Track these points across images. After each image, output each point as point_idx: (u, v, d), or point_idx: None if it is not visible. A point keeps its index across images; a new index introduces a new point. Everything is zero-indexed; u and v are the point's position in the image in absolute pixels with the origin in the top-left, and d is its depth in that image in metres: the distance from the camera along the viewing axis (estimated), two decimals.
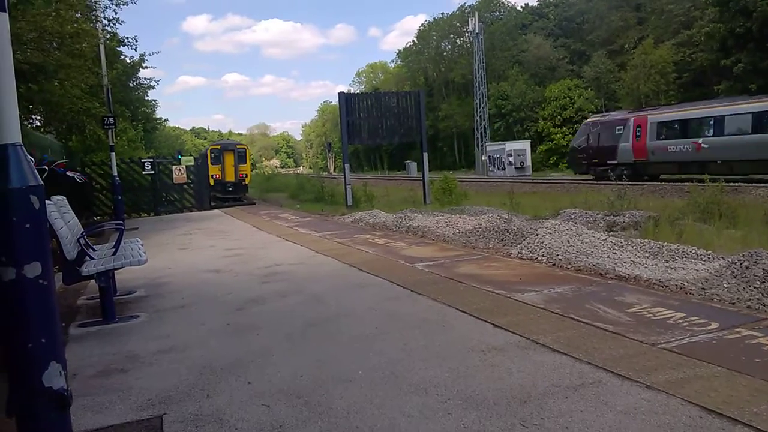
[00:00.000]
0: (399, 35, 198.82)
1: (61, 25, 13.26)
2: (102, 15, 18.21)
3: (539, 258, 7.33)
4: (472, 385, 3.52)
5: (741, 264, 5.40)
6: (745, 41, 33.47)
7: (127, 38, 22.25)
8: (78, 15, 16.40)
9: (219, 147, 25.13)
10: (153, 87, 33.57)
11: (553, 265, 7.01)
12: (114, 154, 17.65)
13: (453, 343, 4.33)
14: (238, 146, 25.56)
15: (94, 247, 6.57)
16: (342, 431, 3.03)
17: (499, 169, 49.39)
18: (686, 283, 5.55)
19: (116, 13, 22.10)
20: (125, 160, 21.61)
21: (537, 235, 8.08)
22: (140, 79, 30.17)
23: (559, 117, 55.51)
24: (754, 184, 22.67)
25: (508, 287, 5.96)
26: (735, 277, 5.30)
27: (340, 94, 19.93)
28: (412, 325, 4.88)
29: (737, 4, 32.76)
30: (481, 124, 57.97)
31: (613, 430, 2.84)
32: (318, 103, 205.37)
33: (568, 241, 7.71)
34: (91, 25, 17.00)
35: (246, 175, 25.03)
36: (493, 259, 7.71)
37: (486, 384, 3.52)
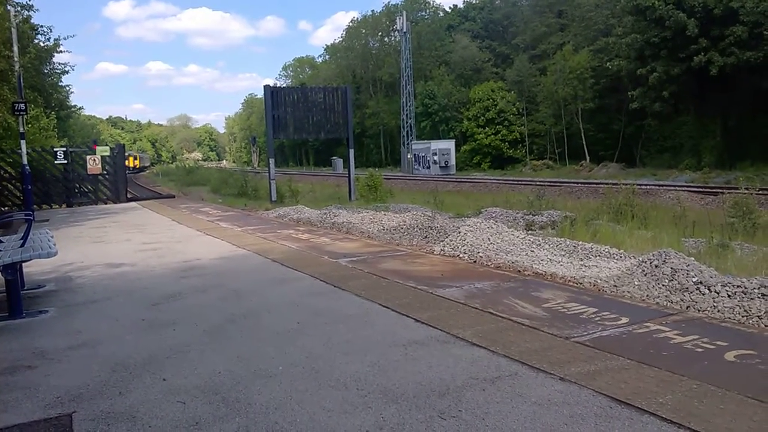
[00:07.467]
0: (330, 30, 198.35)
1: None
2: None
3: (461, 255, 7.45)
4: (393, 379, 3.54)
5: (651, 263, 5.65)
6: (659, 50, 34.84)
7: (41, 26, 21.19)
8: None
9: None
10: (67, 72, 31.94)
11: (474, 262, 7.14)
12: (24, 141, 16.76)
13: (375, 338, 4.34)
14: (132, 153, 72.34)
15: (0, 238, 6.22)
16: (261, 427, 2.98)
17: (424, 168, 50.13)
18: (599, 281, 5.77)
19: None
20: (36, 149, 20.53)
21: (459, 232, 8.20)
22: (54, 64, 28.79)
23: (482, 118, 56.49)
24: (664, 188, 23.91)
25: (431, 283, 6.03)
26: (645, 275, 5.54)
27: (266, 87, 19.65)
28: (335, 321, 4.86)
29: (653, 14, 34.03)
30: (407, 123, 58.57)
31: (528, 421, 2.92)
32: (244, 96, 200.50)
33: (488, 239, 7.87)
34: (2, 7, 16.09)
35: (137, 165, 71.90)
36: (417, 256, 7.79)
37: (406, 378, 3.54)
